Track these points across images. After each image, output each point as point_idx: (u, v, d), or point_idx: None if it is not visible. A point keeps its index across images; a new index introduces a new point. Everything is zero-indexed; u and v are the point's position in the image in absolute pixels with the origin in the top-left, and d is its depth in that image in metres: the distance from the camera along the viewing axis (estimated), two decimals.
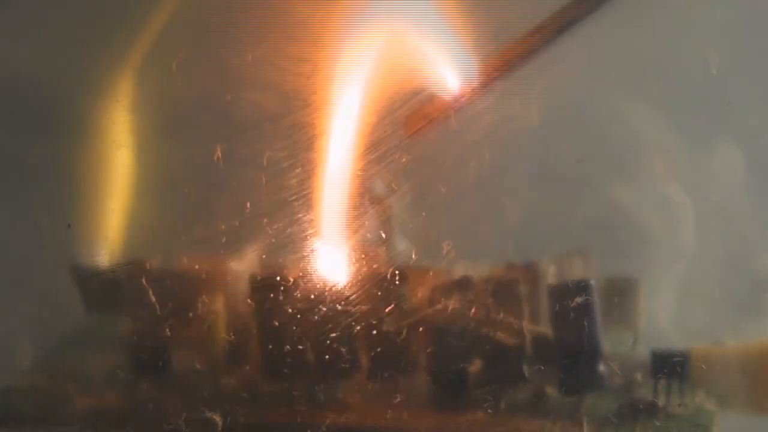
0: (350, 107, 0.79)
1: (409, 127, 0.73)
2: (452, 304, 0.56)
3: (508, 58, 0.77)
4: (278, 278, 0.57)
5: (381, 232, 0.74)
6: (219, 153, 0.96)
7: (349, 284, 0.57)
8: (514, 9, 0.79)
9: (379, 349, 0.57)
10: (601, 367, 0.55)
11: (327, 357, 0.57)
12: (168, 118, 0.96)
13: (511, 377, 0.56)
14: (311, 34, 0.81)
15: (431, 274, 0.67)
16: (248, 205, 0.96)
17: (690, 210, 0.91)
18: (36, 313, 0.86)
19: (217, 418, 0.57)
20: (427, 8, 0.77)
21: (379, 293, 0.57)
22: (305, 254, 0.74)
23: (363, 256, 0.68)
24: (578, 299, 0.54)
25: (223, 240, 0.84)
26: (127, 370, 0.62)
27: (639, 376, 0.59)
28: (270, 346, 0.57)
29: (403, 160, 0.80)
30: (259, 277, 0.58)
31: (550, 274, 0.65)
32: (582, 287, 0.55)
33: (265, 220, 0.93)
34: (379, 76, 0.75)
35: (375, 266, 0.67)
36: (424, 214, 0.79)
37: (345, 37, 0.76)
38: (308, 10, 0.78)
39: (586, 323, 0.54)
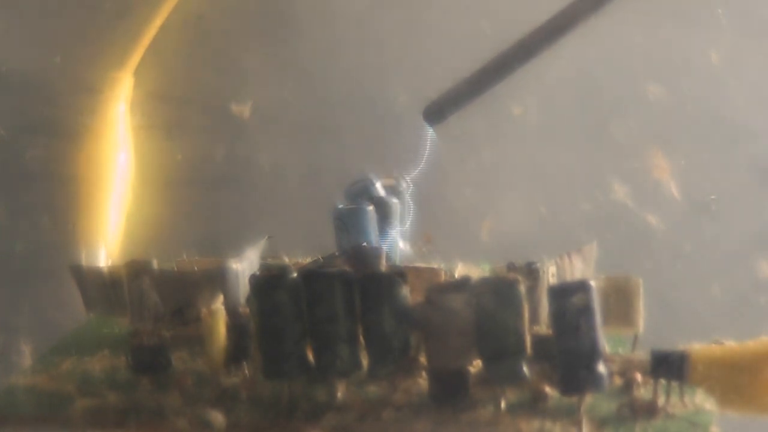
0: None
1: None
2: (452, 303, 0.55)
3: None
4: (278, 278, 0.57)
5: (381, 232, 0.74)
6: (219, 153, 0.96)
7: (349, 284, 0.57)
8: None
9: (378, 349, 0.57)
10: (601, 367, 0.54)
11: (327, 356, 0.57)
12: (168, 118, 0.96)
13: (511, 377, 0.56)
14: None
15: (431, 273, 0.67)
16: (248, 205, 0.96)
17: (690, 210, 0.91)
18: (36, 313, 0.86)
19: (217, 418, 0.57)
20: None
21: (380, 293, 0.57)
22: (305, 254, 0.74)
23: (363, 255, 0.68)
24: (578, 299, 0.54)
25: (223, 240, 0.84)
26: (127, 370, 0.62)
27: (639, 376, 0.59)
28: (270, 346, 0.57)
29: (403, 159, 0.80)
30: (259, 277, 0.58)
31: (550, 274, 0.65)
32: (582, 287, 0.54)
33: (265, 220, 0.93)
34: None
35: (374, 265, 0.67)
36: (424, 214, 0.79)
37: None
38: None
39: (586, 323, 0.54)
